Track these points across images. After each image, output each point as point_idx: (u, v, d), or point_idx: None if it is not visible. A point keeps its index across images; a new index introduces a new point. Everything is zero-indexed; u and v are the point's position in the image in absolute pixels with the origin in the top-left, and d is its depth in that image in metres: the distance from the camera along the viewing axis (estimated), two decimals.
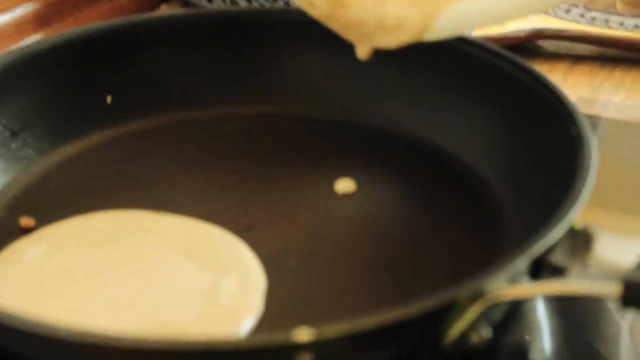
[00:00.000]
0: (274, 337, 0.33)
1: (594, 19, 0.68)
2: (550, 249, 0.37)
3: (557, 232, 0.37)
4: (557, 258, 0.38)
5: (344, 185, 0.50)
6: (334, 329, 0.33)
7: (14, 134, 0.52)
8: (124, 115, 0.55)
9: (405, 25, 0.45)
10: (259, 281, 0.43)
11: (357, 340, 0.34)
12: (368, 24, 0.46)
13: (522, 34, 0.66)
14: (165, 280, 0.43)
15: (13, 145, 0.52)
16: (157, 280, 0.43)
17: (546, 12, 0.69)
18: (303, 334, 0.33)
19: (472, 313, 0.36)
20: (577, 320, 0.42)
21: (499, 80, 0.52)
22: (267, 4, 0.70)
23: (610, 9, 0.70)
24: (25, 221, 0.47)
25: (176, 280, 0.43)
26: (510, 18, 0.45)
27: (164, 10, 0.75)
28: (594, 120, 0.59)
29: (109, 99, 0.55)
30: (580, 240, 0.38)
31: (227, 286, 0.42)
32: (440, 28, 0.45)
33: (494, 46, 0.53)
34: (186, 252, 0.45)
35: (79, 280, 0.43)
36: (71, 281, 0.43)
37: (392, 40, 0.46)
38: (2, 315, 0.35)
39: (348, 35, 0.48)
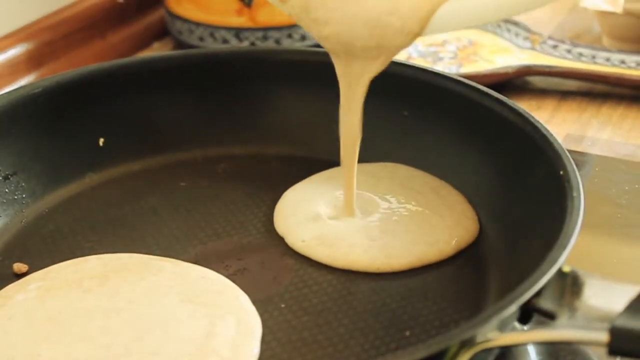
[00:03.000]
0: None
1: (580, 54, 0.68)
2: (539, 293, 0.38)
3: (544, 279, 0.38)
4: (546, 302, 0.38)
5: None
6: None
7: (6, 178, 0.52)
8: (116, 158, 0.56)
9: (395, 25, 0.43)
10: (255, 327, 0.43)
11: None
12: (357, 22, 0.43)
13: (510, 71, 0.67)
14: (160, 326, 0.42)
15: (6, 189, 0.52)
16: (152, 326, 0.42)
17: (533, 49, 0.70)
18: None
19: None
20: None
21: (488, 120, 0.52)
22: (257, 42, 0.70)
23: (596, 45, 0.71)
24: (19, 267, 0.48)
25: (172, 325, 0.42)
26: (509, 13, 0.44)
27: (156, 48, 0.76)
28: (582, 157, 0.59)
29: (101, 142, 0.56)
30: (569, 284, 0.38)
31: (224, 332, 0.42)
32: (436, 25, 0.44)
33: (482, 86, 0.53)
34: (181, 296, 0.44)
35: (71, 325, 0.43)
36: (64, 327, 0.43)
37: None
38: None
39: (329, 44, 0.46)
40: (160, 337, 0.42)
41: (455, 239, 0.48)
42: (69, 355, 0.41)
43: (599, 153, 0.60)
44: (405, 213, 0.50)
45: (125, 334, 0.42)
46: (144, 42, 0.76)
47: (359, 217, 0.50)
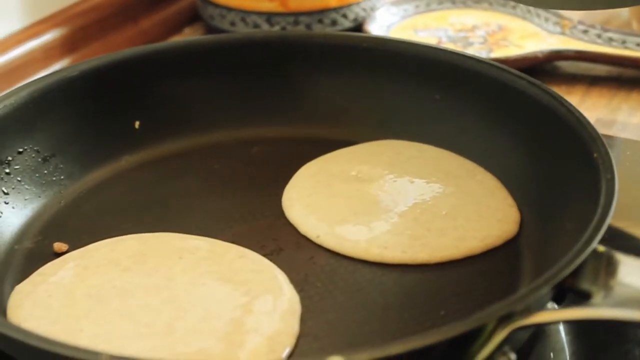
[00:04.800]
0: None
1: (610, 39, 0.68)
2: (574, 273, 0.38)
3: (580, 258, 0.38)
4: (581, 282, 0.38)
5: None
6: (365, 356, 0.34)
7: (45, 160, 0.53)
8: (152, 140, 0.57)
9: None
10: (295, 305, 0.43)
11: None
12: None
13: (540, 55, 0.67)
14: (200, 305, 0.43)
15: (45, 171, 0.53)
16: (192, 305, 0.43)
17: (563, 33, 0.70)
18: None
19: (498, 337, 0.37)
20: (600, 341, 0.43)
21: (521, 103, 0.52)
22: (288, 27, 0.71)
23: (626, 29, 0.71)
24: (59, 246, 0.48)
25: (212, 304, 0.43)
26: None
27: (187, 34, 0.76)
28: (613, 141, 0.59)
29: (137, 124, 0.57)
30: (604, 264, 0.39)
31: (263, 309, 0.42)
32: None
33: (514, 70, 0.54)
34: (220, 275, 0.45)
35: (111, 303, 0.43)
36: (103, 304, 0.43)
37: None
38: (37, 339, 0.36)
39: None
40: (201, 316, 0.42)
41: (505, 233, 0.48)
42: (112, 333, 0.42)
43: (629, 137, 0.60)
44: (450, 203, 0.50)
45: (166, 312, 0.43)
46: (176, 27, 0.76)
47: (394, 207, 0.50)
